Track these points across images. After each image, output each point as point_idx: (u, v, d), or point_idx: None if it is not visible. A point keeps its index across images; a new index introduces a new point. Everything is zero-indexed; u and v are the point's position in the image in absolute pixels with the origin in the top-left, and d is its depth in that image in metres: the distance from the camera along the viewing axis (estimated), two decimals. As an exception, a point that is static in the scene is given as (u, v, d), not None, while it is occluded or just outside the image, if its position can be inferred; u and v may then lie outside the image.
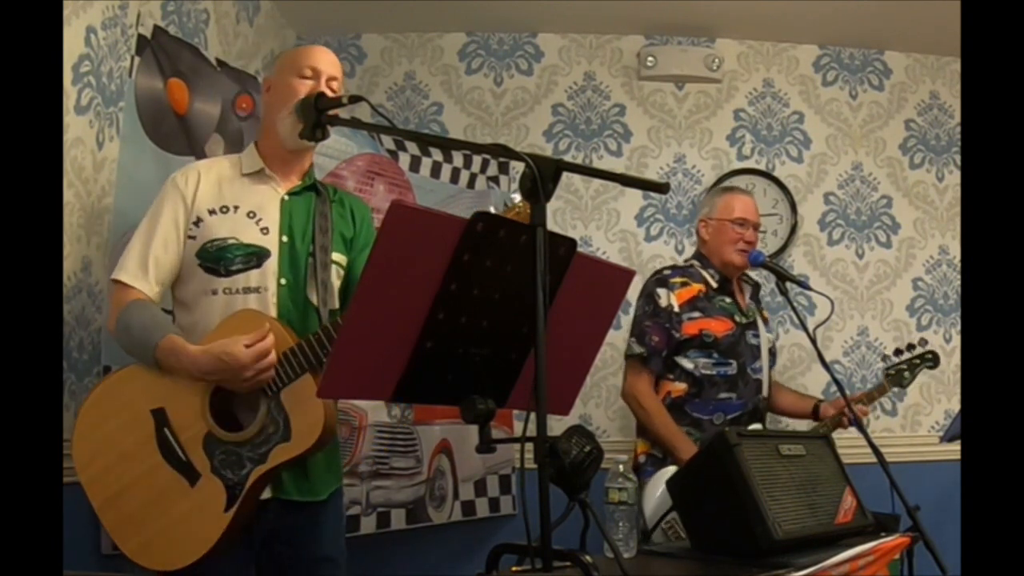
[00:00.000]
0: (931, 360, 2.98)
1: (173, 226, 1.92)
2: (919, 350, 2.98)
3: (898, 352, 3.00)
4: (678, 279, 2.90)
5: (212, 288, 1.91)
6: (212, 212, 1.94)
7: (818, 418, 2.99)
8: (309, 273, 1.97)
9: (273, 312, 1.92)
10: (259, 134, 2.09)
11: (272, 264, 1.93)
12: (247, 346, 1.78)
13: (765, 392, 2.92)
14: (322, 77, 1.96)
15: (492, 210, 1.81)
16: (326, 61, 2.00)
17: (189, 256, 1.93)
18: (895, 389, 3.01)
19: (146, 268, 1.90)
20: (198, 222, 1.93)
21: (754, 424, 2.85)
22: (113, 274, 1.93)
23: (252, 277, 1.92)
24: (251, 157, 2.02)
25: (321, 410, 1.81)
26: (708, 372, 2.82)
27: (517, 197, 1.64)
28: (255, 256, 1.93)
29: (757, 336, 2.92)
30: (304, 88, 1.94)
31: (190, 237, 1.93)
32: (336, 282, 2.02)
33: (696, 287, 2.89)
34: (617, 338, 3.50)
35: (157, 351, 1.82)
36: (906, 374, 2.97)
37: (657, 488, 2.65)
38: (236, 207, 1.96)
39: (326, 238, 2.00)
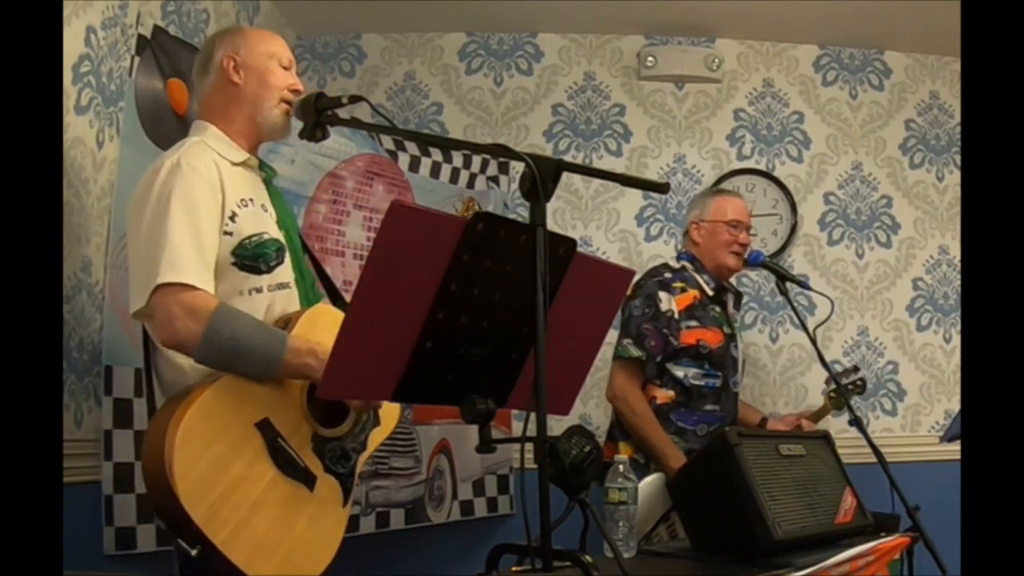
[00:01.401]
0: (860, 388, 3.05)
1: (212, 221, 1.74)
2: (854, 376, 3.02)
3: (839, 375, 2.99)
4: (678, 284, 2.84)
5: (253, 287, 1.78)
6: (240, 205, 1.80)
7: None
8: (307, 266, 1.96)
9: (297, 308, 1.87)
10: (220, 115, 1.88)
11: (287, 259, 1.87)
12: None
13: (738, 405, 2.94)
14: (293, 69, 1.94)
15: (492, 209, 1.83)
16: (290, 52, 1.97)
17: (223, 254, 1.75)
18: (835, 411, 3.02)
19: (207, 268, 1.71)
20: (233, 216, 1.77)
21: None
22: (167, 276, 1.66)
23: (282, 272, 1.84)
24: (229, 145, 1.86)
25: None
26: (697, 383, 2.77)
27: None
28: (281, 251, 1.85)
29: (737, 348, 2.90)
30: (286, 80, 1.90)
31: (226, 233, 1.76)
32: None
33: (692, 293, 2.84)
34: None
35: (288, 353, 1.68)
36: (841, 399, 2.95)
37: (643, 497, 2.62)
38: (251, 199, 1.83)
39: (299, 229, 2.00)
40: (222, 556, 1.57)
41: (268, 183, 1.95)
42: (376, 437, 1.88)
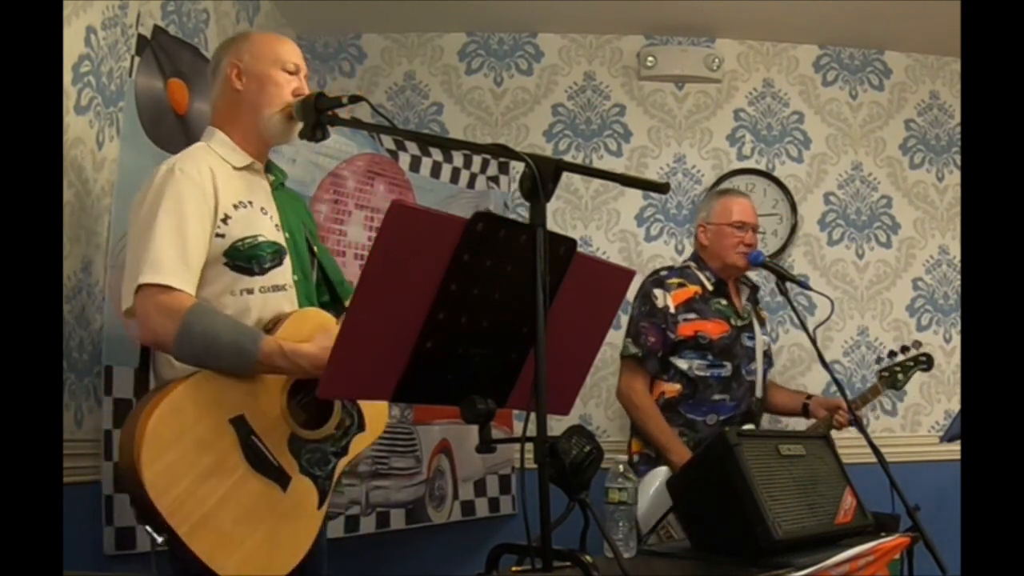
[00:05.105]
0: (925, 362, 2.95)
1: (200, 224, 1.78)
2: (913, 352, 2.95)
3: (892, 354, 2.98)
4: (675, 280, 2.91)
5: (244, 287, 1.81)
6: (235, 207, 1.83)
7: (808, 415, 3.00)
8: (312, 268, 1.97)
9: (295, 309, 1.88)
10: (226, 121, 1.93)
11: (287, 261, 1.89)
12: None
13: (759, 394, 2.92)
14: (301, 73, 1.93)
15: (492, 209, 1.83)
16: (300, 56, 1.97)
17: (215, 255, 1.80)
18: (889, 391, 2.99)
19: (189, 269, 1.75)
20: (226, 219, 1.81)
21: (747, 425, 2.85)
22: (147, 277, 1.72)
23: (278, 275, 1.86)
24: (233, 150, 1.90)
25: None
26: (702, 373, 2.82)
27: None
28: (278, 253, 1.87)
29: (752, 338, 2.92)
30: (290, 85, 1.89)
31: (218, 235, 1.80)
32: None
33: (692, 288, 2.90)
34: (617, 338, 3.48)
35: (261, 354, 1.70)
36: (900, 376, 2.94)
37: (649, 489, 2.65)
38: (250, 202, 1.87)
39: (308, 232, 2.00)
40: (185, 546, 1.60)
41: (277, 187, 1.97)
42: (361, 442, 1.86)
